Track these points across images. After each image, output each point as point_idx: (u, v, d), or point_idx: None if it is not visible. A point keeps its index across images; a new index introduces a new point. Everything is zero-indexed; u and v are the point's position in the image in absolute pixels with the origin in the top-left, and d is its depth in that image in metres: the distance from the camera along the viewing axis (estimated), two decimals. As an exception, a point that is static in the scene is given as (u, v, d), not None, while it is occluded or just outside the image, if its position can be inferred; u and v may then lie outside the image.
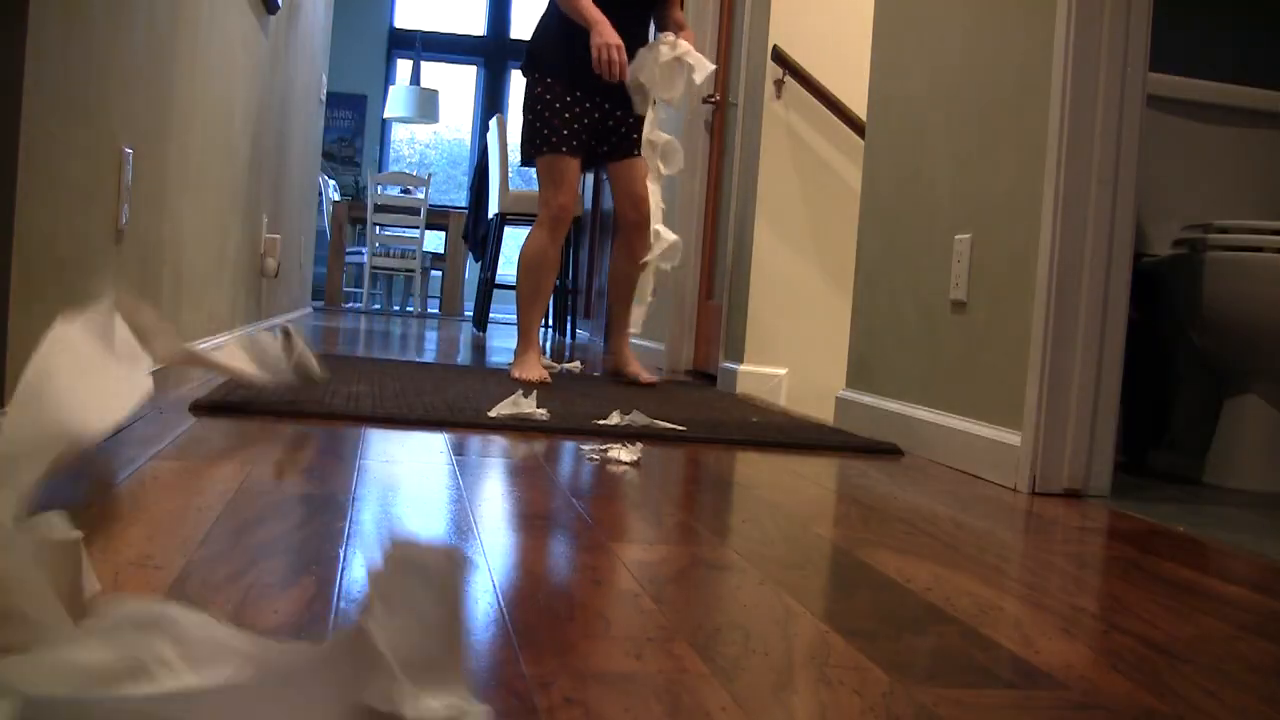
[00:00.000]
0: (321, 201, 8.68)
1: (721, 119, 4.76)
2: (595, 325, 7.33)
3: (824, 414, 3.38)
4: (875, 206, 3.03)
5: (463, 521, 1.50)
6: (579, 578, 1.27)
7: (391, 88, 9.98)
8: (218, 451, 1.88)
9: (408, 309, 9.26)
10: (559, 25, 3.57)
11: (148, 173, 2.09)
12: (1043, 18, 2.26)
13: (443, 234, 8.99)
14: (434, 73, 10.59)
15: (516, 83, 10.93)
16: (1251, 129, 2.88)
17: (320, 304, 8.59)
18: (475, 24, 10.85)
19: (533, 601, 1.15)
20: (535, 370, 3.60)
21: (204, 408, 2.34)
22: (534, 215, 7.19)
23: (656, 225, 3.78)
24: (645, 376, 3.81)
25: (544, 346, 6.05)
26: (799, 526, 1.67)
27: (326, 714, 0.61)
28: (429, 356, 4.51)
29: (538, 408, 2.58)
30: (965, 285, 2.49)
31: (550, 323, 8.03)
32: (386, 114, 9.87)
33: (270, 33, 3.68)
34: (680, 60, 3.52)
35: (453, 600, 0.64)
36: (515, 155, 9.01)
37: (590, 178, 7.71)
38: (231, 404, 2.38)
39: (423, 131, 11.17)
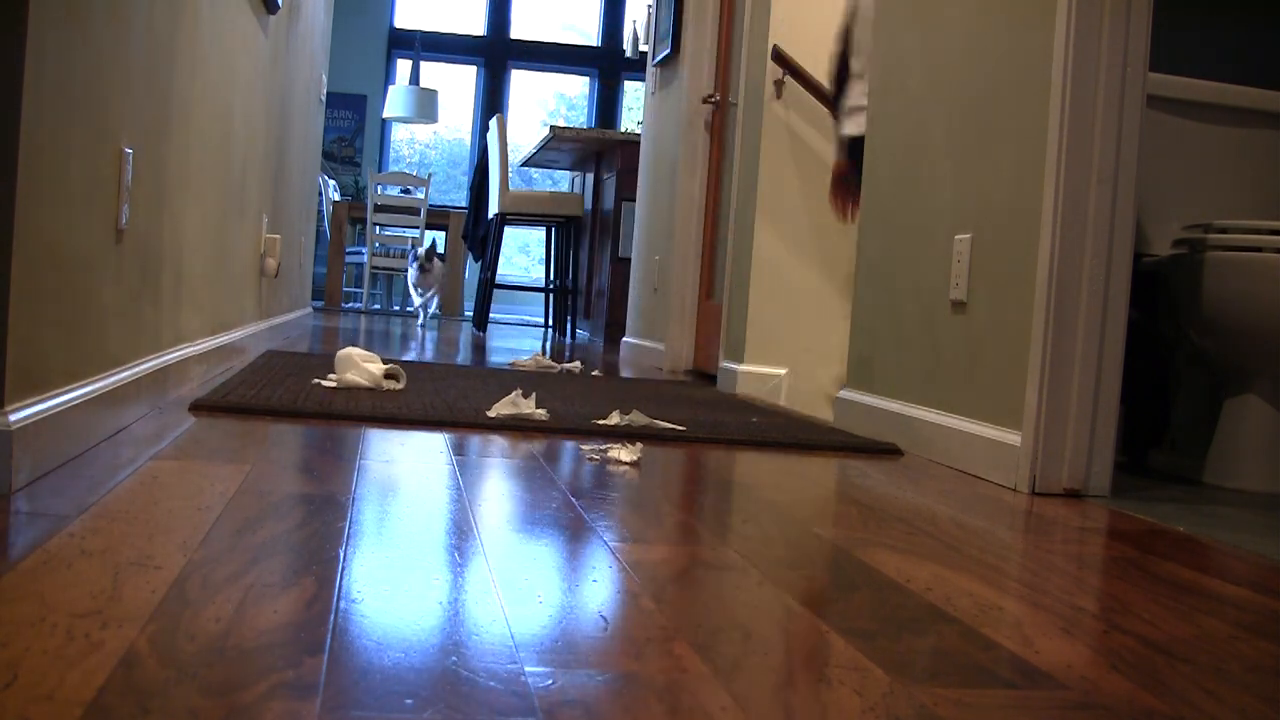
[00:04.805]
0: (321, 201, 8.68)
1: (721, 119, 4.76)
2: (595, 325, 7.33)
3: (824, 414, 3.38)
4: (875, 206, 3.03)
5: (463, 521, 1.50)
6: (579, 578, 1.27)
7: (391, 88, 9.98)
8: (218, 451, 1.88)
9: (408, 309, 9.26)
10: None
11: (148, 173, 2.08)
12: (1043, 17, 2.26)
13: (443, 234, 9.00)
14: (434, 73, 10.59)
15: (516, 83, 10.93)
16: (1251, 129, 2.88)
17: (320, 304, 8.59)
18: (475, 24, 10.85)
19: (532, 601, 1.15)
20: None
21: (204, 408, 2.34)
22: (533, 215, 7.22)
23: None
24: None
25: (544, 346, 6.05)
26: (799, 526, 1.67)
27: None
28: (429, 356, 4.51)
29: (537, 408, 2.58)
30: (965, 285, 2.49)
31: (550, 323, 8.03)
32: (386, 114, 9.87)
33: (270, 33, 3.68)
34: None
35: None
36: (515, 155, 9.02)
37: (590, 177, 7.71)
38: (231, 404, 2.38)
39: (423, 131, 11.17)
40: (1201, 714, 0.97)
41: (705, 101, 4.77)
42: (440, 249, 8.56)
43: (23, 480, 1.42)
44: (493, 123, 7.20)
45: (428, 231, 8.65)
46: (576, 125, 10.64)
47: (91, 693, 0.80)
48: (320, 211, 8.65)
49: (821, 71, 3.94)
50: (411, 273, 7.04)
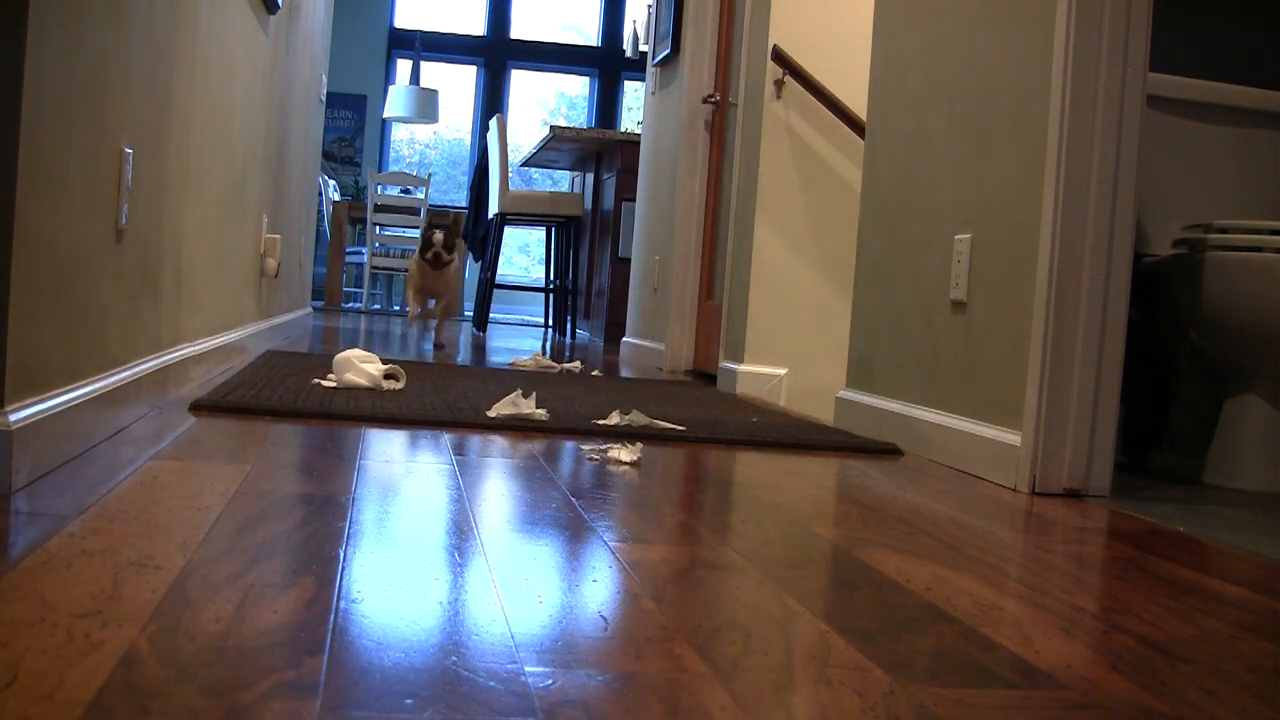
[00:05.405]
0: (321, 201, 8.68)
1: (721, 119, 4.76)
2: (595, 325, 7.33)
3: (824, 414, 3.38)
4: (875, 206, 3.03)
5: (463, 521, 1.50)
6: (579, 578, 1.27)
7: (391, 88, 9.98)
8: (218, 451, 1.88)
9: (403, 309, 9.26)
10: None
11: (148, 173, 2.08)
12: (1043, 17, 2.26)
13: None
14: (434, 73, 10.59)
15: (516, 83, 10.93)
16: (1251, 129, 2.87)
17: (320, 304, 8.59)
18: (475, 24, 10.84)
19: (532, 601, 1.15)
20: None
21: (204, 408, 2.34)
22: (533, 215, 7.22)
23: None
24: None
25: (544, 346, 6.05)
26: (799, 526, 1.67)
27: None
28: (429, 356, 4.51)
29: (537, 408, 2.58)
30: (965, 285, 2.49)
31: (550, 323, 8.03)
32: (386, 114, 9.87)
33: (270, 32, 3.68)
34: None
35: None
36: (515, 155, 9.02)
37: (590, 177, 7.71)
38: (231, 404, 2.38)
39: (423, 131, 11.17)
40: (1201, 714, 0.97)
41: (705, 101, 4.77)
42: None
43: (23, 480, 1.42)
44: (493, 123, 7.20)
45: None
46: (576, 125, 10.64)
47: (91, 693, 0.80)
48: (320, 211, 8.65)
49: (821, 71, 3.94)
50: (412, 270, 5.00)
